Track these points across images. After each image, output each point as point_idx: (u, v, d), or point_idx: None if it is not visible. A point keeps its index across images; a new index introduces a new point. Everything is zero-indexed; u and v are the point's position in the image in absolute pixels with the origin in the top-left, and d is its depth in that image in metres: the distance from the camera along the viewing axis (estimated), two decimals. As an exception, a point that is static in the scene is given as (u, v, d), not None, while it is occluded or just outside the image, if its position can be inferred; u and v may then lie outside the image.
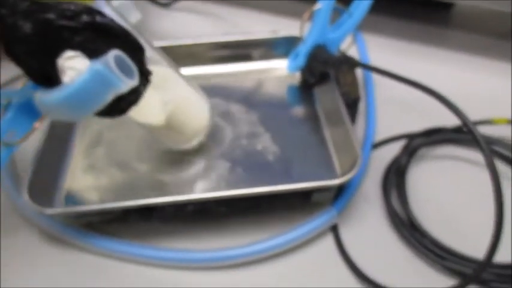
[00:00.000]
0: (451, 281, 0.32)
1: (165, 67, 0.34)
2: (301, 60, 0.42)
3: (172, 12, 0.61)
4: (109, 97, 0.25)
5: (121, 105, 0.27)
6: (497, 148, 0.40)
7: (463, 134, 0.41)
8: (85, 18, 0.25)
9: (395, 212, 0.36)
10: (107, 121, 0.41)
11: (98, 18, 0.25)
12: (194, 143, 0.38)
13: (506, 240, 0.31)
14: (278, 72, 0.47)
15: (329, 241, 0.36)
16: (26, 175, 0.34)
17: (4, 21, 0.24)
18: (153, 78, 0.29)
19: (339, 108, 0.39)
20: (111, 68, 0.24)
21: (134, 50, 0.27)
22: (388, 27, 0.57)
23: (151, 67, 0.29)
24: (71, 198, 0.36)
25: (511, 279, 0.32)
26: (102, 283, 0.33)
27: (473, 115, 0.32)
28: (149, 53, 0.30)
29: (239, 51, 0.47)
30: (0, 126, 0.27)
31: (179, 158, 0.39)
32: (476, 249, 0.31)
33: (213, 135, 0.40)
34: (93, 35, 0.25)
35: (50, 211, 0.33)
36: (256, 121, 0.42)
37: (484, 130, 0.41)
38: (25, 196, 0.33)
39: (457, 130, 0.41)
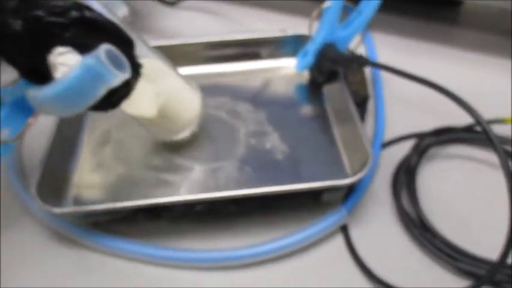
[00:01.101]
0: (464, 283, 0.32)
1: (154, 59, 0.34)
2: (309, 58, 0.42)
3: (179, 11, 0.61)
4: (101, 91, 0.25)
5: (113, 99, 0.28)
6: (507, 147, 0.40)
7: (474, 133, 0.41)
8: (74, 14, 0.25)
9: (405, 212, 0.36)
10: (115, 120, 0.42)
11: (87, 13, 0.25)
12: (186, 133, 0.38)
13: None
14: (286, 71, 0.47)
15: (339, 241, 0.35)
16: (34, 175, 0.34)
17: None
18: (144, 71, 0.29)
19: (348, 107, 0.39)
20: (103, 62, 0.24)
21: (124, 43, 0.27)
22: (397, 25, 0.57)
23: (141, 60, 0.29)
24: (79, 197, 0.36)
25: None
26: (109, 282, 0.33)
27: (482, 114, 0.31)
28: (138, 46, 0.30)
29: (247, 49, 0.47)
30: None
31: (188, 157, 0.38)
32: (489, 249, 0.31)
33: (221, 134, 0.40)
34: (83, 30, 0.25)
35: (58, 210, 0.33)
36: (264, 120, 0.42)
37: (494, 129, 0.41)
38: (34, 195, 0.33)
39: (467, 129, 0.41)
